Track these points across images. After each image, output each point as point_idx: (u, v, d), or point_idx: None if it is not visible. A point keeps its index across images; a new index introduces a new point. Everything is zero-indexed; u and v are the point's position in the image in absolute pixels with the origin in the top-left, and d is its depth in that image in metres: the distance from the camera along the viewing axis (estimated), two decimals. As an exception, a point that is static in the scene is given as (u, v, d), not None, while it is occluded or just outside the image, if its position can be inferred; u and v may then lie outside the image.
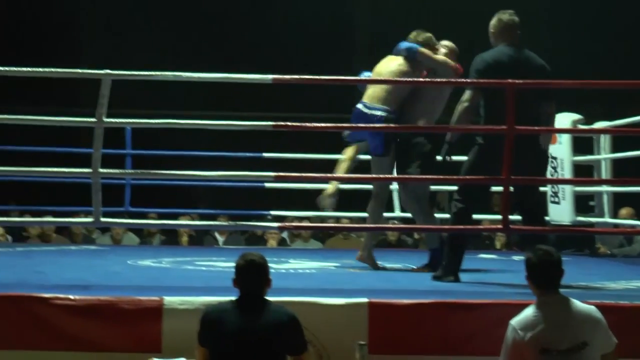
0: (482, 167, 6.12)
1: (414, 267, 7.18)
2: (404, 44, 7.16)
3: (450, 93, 7.03)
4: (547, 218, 8.94)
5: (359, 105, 7.14)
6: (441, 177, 6.42)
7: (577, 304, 4.30)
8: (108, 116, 5.92)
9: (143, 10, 15.77)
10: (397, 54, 7.19)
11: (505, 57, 6.20)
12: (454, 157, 6.34)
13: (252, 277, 4.34)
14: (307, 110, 14.38)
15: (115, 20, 15.83)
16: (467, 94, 6.22)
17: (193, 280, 6.06)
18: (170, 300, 4.91)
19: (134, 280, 6.05)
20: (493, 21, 6.39)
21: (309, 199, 11.53)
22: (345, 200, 11.96)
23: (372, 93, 7.10)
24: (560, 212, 8.66)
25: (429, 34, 7.20)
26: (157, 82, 6.28)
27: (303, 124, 6.08)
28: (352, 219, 10.33)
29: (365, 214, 9.48)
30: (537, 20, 14.79)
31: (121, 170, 6.60)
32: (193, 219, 10.46)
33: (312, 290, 5.35)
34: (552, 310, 4.24)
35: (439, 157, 6.48)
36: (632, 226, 8.75)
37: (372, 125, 6.78)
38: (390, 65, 7.16)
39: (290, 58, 15.16)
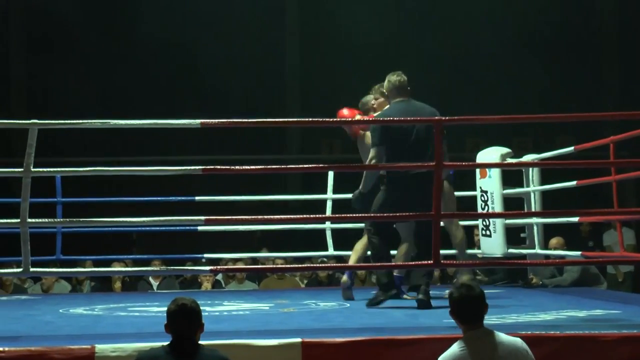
0: (388, 206, 6.85)
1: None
2: None
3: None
4: (479, 251, 9.06)
5: None
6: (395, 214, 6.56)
7: (503, 336, 4.34)
8: (41, 165, 5.89)
9: (72, 58, 15.76)
10: None
11: (397, 113, 6.94)
12: None
13: (183, 321, 4.31)
14: (238, 152, 14.44)
15: (44, 68, 15.79)
16: (372, 152, 6.97)
17: (125, 327, 6.02)
18: (102, 347, 4.87)
19: (65, 329, 5.98)
20: (385, 83, 7.25)
21: (242, 240, 11.59)
22: (279, 240, 12.03)
23: None
24: (492, 244, 8.73)
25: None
26: (88, 130, 6.27)
27: (232, 167, 6.10)
28: (286, 259, 10.33)
29: (298, 254, 9.56)
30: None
31: (50, 220, 6.52)
32: (127, 265, 10.38)
33: (245, 332, 5.35)
34: (478, 344, 4.28)
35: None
36: (562, 257, 8.85)
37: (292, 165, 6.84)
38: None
39: (223, 103, 15.25)
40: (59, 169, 6.38)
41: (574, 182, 8.19)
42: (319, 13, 16.06)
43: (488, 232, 8.73)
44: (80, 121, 5.98)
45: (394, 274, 7.80)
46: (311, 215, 7.12)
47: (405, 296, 7.63)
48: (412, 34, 15.89)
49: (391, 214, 6.54)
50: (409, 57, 15.52)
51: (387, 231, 7.22)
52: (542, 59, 16.12)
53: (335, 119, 7.47)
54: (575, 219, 8.86)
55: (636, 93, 14.85)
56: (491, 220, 8.69)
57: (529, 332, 5.10)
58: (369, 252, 7.53)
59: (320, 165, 6.98)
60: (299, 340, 4.98)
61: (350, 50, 15.80)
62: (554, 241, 9.36)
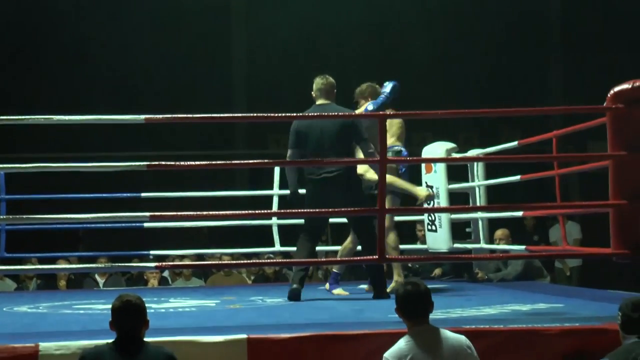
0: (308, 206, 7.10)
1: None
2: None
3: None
4: (424, 246, 9.11)
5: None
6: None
7: (448, 333, 4.39)
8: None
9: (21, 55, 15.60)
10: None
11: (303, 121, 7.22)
12: None
13: (128, 318, 4.30)
14: (184, 148, 14.39)
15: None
16: (288, 153, 7.29)
17: (70, 325, 5.97)
18: (46, 346, 4.82)
19: (8, 328, 5.91)
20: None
21: (189, 237, 11.57)
22: (226, 237, 12.02)
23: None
24: (438, 239, 8.78)
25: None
26: (36, 126, 6.23)
27: (177, 163, 6.08)
28: (233, 256, 10.33)
29: (245, 250, 9.54)
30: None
31: (-7, 216, 6.48)
32: (70, 262, 10.30)
33: (191, 329, 5.33)
34: (423, 340, 4.31)
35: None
36: (507, 251, 8.92)
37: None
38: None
39: (169, 98, 15.16)
40: (2, 165, 6.31)
41: (518, 177, 8.26)
42: (265, 6, 16.04)
43: (434, 227, 8.78)
44: (23, 117, 5.94)
45: (334, 270, 7.89)
46: (257, 211, 7.10)
47: (334, 291, 7.71)
48: (358, 29, 15.91)
49: (336, 210, 6.59)
50: (356, 53, 15.58)
51: (314, 230, 7.40)
52: (485, 52, 16.22)
53: (281, 114, 7.42)
54: (520, 214, 8.95)
55: (581, 86, 15.00)
56: (436, 215, 8.74)
57: (473, 327, 5.14)
58: (358, 247, 7.75)
59: (267, 160, 7.02)
60: (244, 336, 4.97)
61: (297, 46, 15.80)
62: (499, 232, 9.42)
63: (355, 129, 7.13)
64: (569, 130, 7.08)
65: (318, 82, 7.37)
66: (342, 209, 6.60)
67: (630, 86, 5.93)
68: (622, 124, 5.94)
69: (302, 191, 7.36)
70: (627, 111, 5.90)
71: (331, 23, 15.63)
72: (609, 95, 5.99)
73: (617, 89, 5.97)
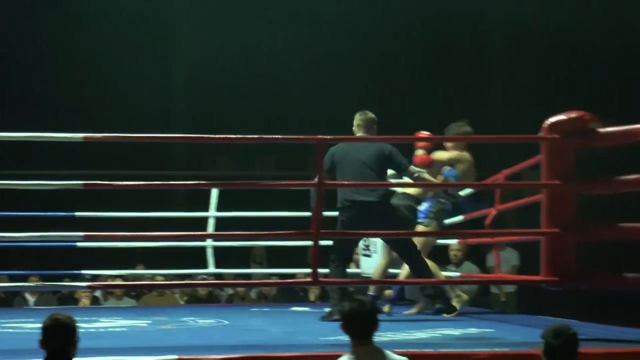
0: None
1: None
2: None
3: None
4: (359, 270, 9.14)
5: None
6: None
7: (391, 355, 4.40)
8: None
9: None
10: None
11: (341, 146, 7.40)
12: None
13: (58, 337, 4.26)
14: (122, 167, 14.28)
15: None
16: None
17: (-1, 343, 5.91)
18: (-27, 365, 4.78)
19: None
20: None
21: (124, 257, 11.47)
22: (161, 257, 11.95)
23: None
24: (372, 264, 8.80)
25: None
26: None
27: (114, 183, 6.06)
28: (166, 277, 10.27)
29: (179, 271, 9.52)
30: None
31: None
32: (0, 281, 10.18)
33: (121, 349, 5.30)
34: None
35: None
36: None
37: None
38: None
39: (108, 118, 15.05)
40: None
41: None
42: (206, 30, 16.02)
43: (368, 252, 8.81)
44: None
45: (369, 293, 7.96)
46: (192, 233, 7.09)
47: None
48: (291, 57, 15.88)
49: (273, 232, 6.67)
50: (290, 78, 15.58)
51: (344, 251, 7.58)
52: (427, 74, 16.27)
53: (219, 136, 7.40)
54: (455, 241, 9.07)
55: (521, 110, 15.14)
56: (371, 240, 8.76)
57: (404, 350, 5.15)
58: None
59: (204, 182, 7.00)
60: (175, 357, 4.94)
61: (237, 67, 15.77)
62: (455, 245, 9.51)
63: (392, 160, 7.35)
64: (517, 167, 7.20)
65: (357, 118, 7.53)
66: (282, 232, 6.63)
67: (566, 117, 6.04)
68: (556, 154, 6.05)
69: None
70: (562, 142, 6.01)
71: (270, 44, 15.62)
72: (544, 126, 6.09)
73: (552, 119, 6.07)
